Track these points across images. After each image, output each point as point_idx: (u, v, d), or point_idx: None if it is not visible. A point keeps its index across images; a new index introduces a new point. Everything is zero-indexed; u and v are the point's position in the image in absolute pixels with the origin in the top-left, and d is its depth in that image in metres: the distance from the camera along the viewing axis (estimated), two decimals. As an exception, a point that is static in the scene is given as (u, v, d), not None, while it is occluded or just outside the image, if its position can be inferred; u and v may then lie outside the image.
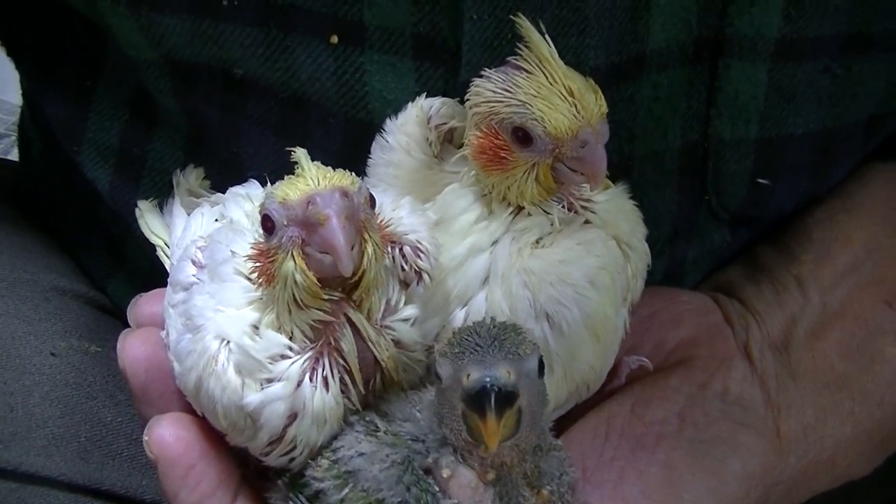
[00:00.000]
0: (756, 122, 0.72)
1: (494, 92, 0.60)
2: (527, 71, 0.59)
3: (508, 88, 0.59)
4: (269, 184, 0.59)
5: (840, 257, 0.75)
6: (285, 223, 0.55)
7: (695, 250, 0.78)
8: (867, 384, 0.72)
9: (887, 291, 0.74)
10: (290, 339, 0.57)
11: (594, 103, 0.58)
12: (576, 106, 0.58)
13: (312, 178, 0.55)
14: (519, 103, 0.59)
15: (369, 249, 0.55)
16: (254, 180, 0.69)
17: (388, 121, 0.66)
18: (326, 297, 0.56)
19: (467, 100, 0.62)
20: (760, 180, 0.74)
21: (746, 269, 0.78)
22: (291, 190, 0.55)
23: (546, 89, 0.58)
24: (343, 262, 0.53)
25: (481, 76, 0.61)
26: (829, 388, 0.71)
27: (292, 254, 0.55)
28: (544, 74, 0.58)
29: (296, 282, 0.55)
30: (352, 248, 0.54)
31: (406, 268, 0.59)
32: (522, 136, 0.59)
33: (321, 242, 0.54)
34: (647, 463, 0.63)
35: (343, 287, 0.57)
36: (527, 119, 0.58)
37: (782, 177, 0.75)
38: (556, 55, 0.59)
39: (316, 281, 0.55)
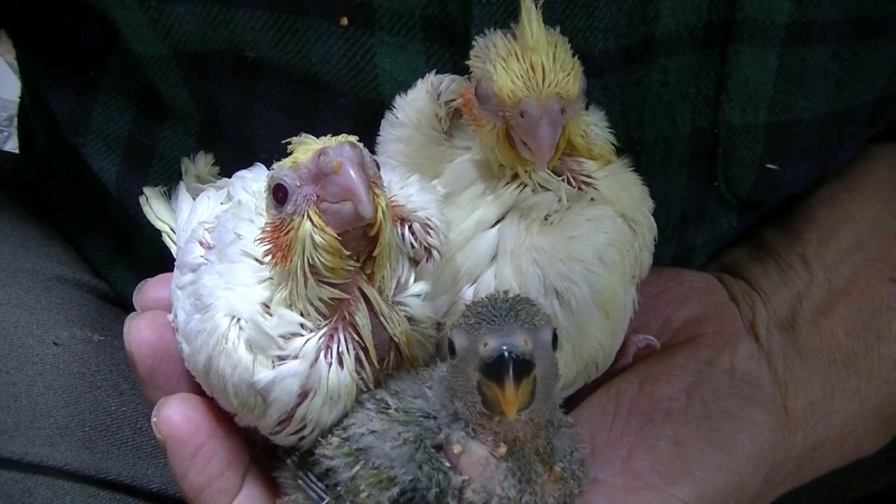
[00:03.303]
0: (766, 107, 0.72)
1: (480, 48, 0.61)
2: (513, 36, 0.59)
3: (488, 47, 0.60)
4: None
5: (844, 235, 0.75)
6: (298, 185, 0.55)
7: (703, 235, 0.78)
8: (873, 361, 0.72)
9: (893, 268, 0.74)
10: (302, 316, 0.57)
11: (555, 81, 0.58)
12: (528, 75, 0.58)
13: (319, 142, 0.56)
14: (485, 61, 0.59)
15: (382, 203, 0.55)
16: (260, 164, 0.69)
17: (397, 97, 0.67)
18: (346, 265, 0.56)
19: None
20: (770, 166, 0.74)
21: (751, 249, 0.78)
22: (301, 153, 0.55)
23: (512, 55, 0.58)
24: (363, 203, 0.53)
25: None
26: (836, 366, 0.71)
27: (308, 214, 0.55)
28: (521, 42, 0.59)
29: (315, 244, 0.55)
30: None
31: (416, 245, 0.59)
32: (483, 94, 0.60)
33: (337, 190, 0.54)
34: (655, 438, 0.63)
35: (358, 255, 0.57)
36: (483, 76, 0.59)
37: (791, 161, 0.75)
38: (538, 25, 0.58)
39: (336, 236, 0.55)
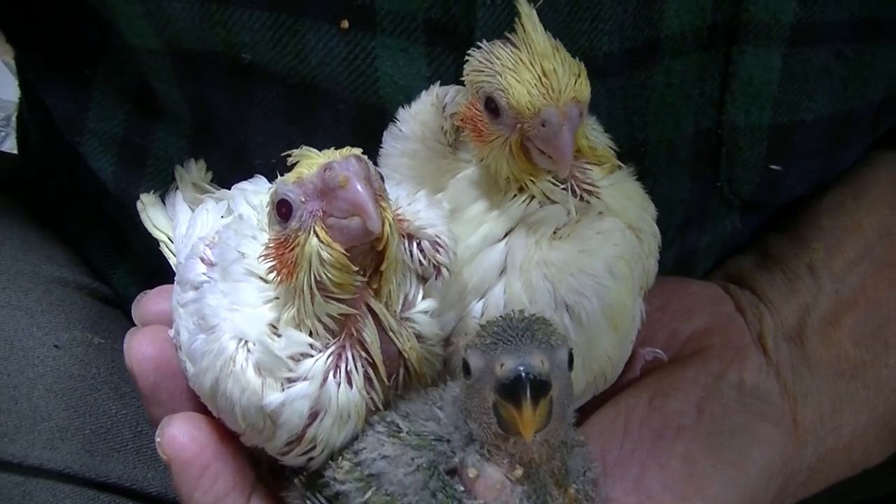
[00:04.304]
0: (770, 108, 0.72)
1: (479, 62, 0.60)
2: (514, 45, 0.58)
3: (490, 59, 0.59)
4: (278, 175, 0.58)
5: (851, 244, 0.75)
6: (303, 200, 0.54)
7: (706, 237, 0.78)
8: (881, 370, 0.72)
9: None
10: (311, 335, 0.56)
11: (570, 86, 0.57)
12: (542, 82, 0.57)
13: (322, 155, 0.55)
14: (493, 74, 0.58)
15: (389, 216, 0.54)
16: (260, 176, 0.68)
17: (401, 109, 0.66)
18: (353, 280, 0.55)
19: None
20: (773, 166, 0.74)
21: (757, 258, 0.78)
22: (305, 168, 0.54)
23: (521, 64, 0.57)
24: (372, 218, 0.52)
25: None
26: (845, 377, 0.71)
27: (314, 229, 0.54)
28: (526, 50, 0.58)
29: (322, 260, 0.54)
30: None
31: (424, 262, 0.58)
32: (493, 108, 0.59)
33: (344, 206, 0.53)
34: (667, 455, 0.63)
35: (364, 270, 0.56)
36: (494, 89, 0.58)
37: (794, 162, 0.75)
38: (541, 32, 0.58)
39: (344, 251, 0.54)
